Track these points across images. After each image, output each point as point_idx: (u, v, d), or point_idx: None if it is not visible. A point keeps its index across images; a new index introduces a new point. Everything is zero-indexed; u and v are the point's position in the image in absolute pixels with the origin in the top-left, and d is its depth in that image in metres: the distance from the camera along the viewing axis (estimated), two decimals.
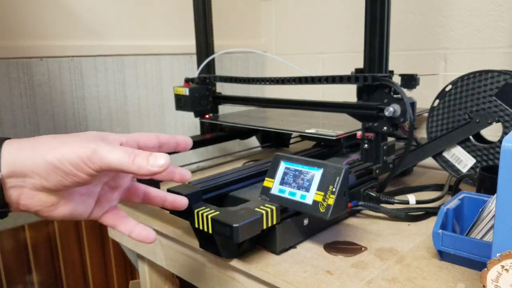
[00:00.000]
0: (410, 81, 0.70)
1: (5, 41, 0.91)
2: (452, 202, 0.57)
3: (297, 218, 0.58)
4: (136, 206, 0.75)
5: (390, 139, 0.73)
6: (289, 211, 0.56)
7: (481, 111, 0.74)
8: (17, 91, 0.93)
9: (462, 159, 0.78)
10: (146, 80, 1.16)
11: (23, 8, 0.93)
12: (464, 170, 0.78)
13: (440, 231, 0.51)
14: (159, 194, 0.47)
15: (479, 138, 0.77)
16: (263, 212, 0.52)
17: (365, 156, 0.72)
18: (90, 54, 1.04)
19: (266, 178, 0.58)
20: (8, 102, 0.92)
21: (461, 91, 0.76)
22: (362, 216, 0.69)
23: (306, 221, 0.59)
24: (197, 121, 1.05)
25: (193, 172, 0.94)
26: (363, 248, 0.57)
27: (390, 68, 0.70)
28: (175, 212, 0.57)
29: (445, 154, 0.80)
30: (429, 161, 0.82)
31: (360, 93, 0.75)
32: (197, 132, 1.11)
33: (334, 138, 0.75)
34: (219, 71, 1.16)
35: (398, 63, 1.05)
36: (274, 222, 0.54)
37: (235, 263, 0.56)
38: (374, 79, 0.67)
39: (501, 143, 0.38)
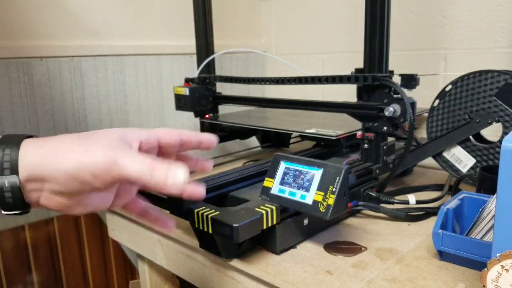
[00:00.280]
0: (410, 81, 0.70)
1: (5, 41, 0.91)
2: (452, 202, 0.57)
3: (297, 218, 0.58)
4: None
5: (390, 139, 0.73)
6: (289, 211, 0.56)
7: (481, 111, 0.74)
8: (17, 91, 0.93)
9: (462, 159, 0.78)
10: (146, 80, 1.16)
11: (23, 8, 0.93)
12: (464, 170, 0.78)
13: (440, 231, 0.51)
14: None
15: (479, 138, 0.77)
16: (263, 212, 0.52)
17: (365, 156, 0.72)
18: (90, 54, 1.04)
19: (266, 178, 0.58)
20: (8, 102, 0.92)
21: (461, 91, 0.76)
22: (362, 216, 0.69)
23: (306, 221, 0.59)
24: (197, 121, 1.05)
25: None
26: (363, 248, 0.57)
27: (390, 68, 0.70)
28: (175, 212, 0.57)
29: (445, 154, 0.80)
30: (429, 161, 0.82)
31: (360, 93, 0.75)
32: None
33: (334, 138, 0.75)
34: (219, 71, 1.16)
35: (398, 63, 1.04)
36: (274, 222, 0.54)
37: (235, 263, 0.56)
38: (374, 79, 0.67)
39: (501, 143, 0.38)
